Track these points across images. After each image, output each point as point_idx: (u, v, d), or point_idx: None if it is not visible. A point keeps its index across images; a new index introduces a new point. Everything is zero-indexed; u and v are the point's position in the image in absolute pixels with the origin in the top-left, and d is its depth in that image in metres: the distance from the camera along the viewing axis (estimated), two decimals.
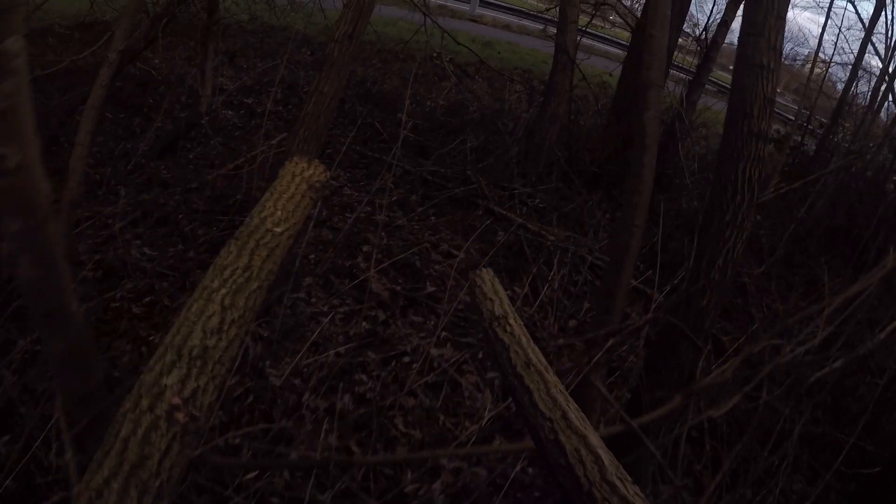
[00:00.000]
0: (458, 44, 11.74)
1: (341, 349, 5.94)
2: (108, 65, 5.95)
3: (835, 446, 5.61)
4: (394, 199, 8.66)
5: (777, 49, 4.25)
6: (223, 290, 2.79)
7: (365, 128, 10.98)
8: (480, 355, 6.30)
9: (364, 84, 14.47)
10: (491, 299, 3.53)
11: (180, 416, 2.37)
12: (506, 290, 3.65)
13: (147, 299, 6.10)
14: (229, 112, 11.48)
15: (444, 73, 15.21)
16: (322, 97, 6.04)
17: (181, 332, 2.59)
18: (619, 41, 21.69)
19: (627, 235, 4.84)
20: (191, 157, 9.32)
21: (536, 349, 3.22)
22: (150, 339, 5.67)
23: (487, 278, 3.68)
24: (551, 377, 3.04)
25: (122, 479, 2.20)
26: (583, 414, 2.86)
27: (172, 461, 2.32)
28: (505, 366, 3.21)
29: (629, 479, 2.57)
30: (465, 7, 25.35)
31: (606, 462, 2.61)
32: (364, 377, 5.78)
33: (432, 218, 8.45)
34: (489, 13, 26.37)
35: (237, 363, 5.32)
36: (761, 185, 4.42)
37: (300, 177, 3.53)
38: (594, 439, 2.72)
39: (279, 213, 3.26)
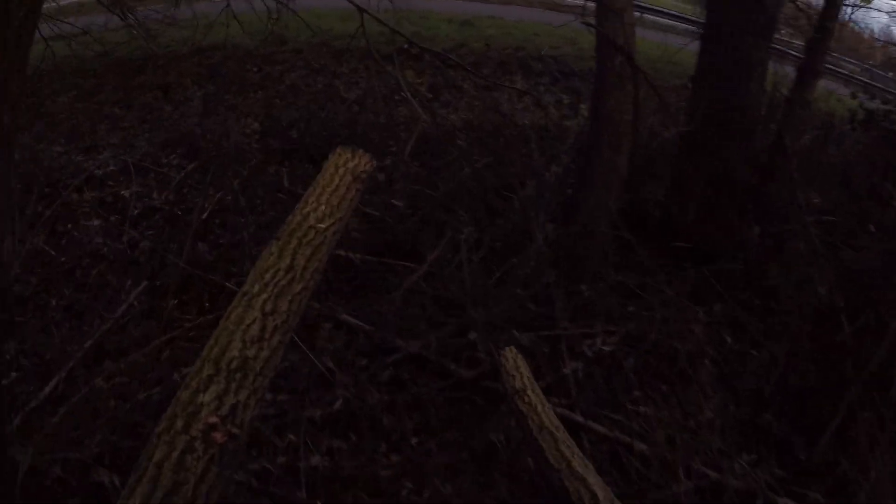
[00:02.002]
0: (414, 44, 7.30)
1: None
2: None
3: None
4: (335, 406, 4.24)
5: None
6: (264, 295, 2.60)
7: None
8: None
9: (293, 128, 9.84)
10: (513, 375, 3.81)
11: (218, 435, 2.14)
12: None
13: None
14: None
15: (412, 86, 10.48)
16: None
17: (219, 344, 2.40)
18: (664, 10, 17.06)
19: None
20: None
21: (550, 413, 3.54)
22: None
23: (511, 357, 3.95)
24: (561, 435, 3.33)
25: None
26: (586, 461, 3.18)
27: (209, 485, 2.10)
28: (525, 432, 3.51)
29: None
30: None
31: (601, 497, 2.86)
32: None
33: (413, 443, 4.07)
34: None
35: None
36: None
37: (344, 168, 3.29)
38: (593, 479, 2.98)
39: (323, 207, 3.04)
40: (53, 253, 6.27)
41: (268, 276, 2.67)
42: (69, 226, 6.66)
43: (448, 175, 6.87)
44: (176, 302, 5.31)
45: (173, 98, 12.63)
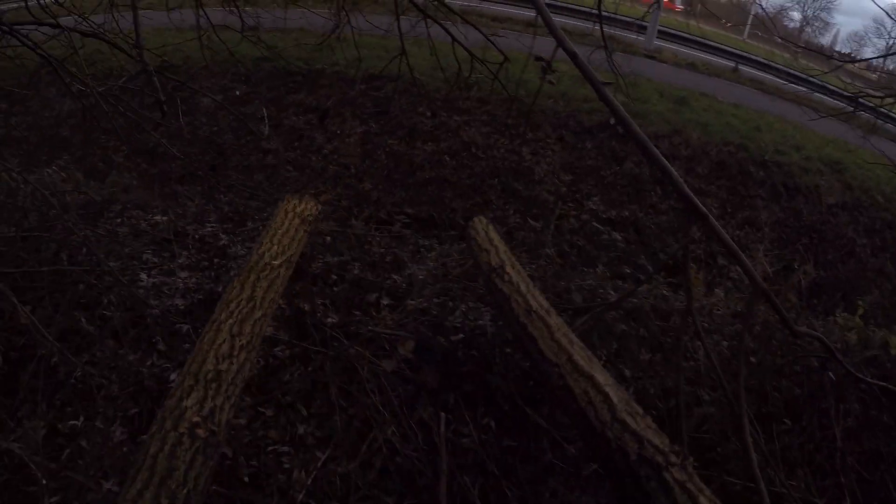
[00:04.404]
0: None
1: None
2: None
3: None
4: None
5: None
6: (230, 321, 2.95)
7: None
8: None
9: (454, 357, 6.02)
10: (486, 250, 3.52)
11: (201, 431, 2.49)
12: None
13: None
14: None
15: None
16: None
17: (196, 360, 2.77)
18: None
19: None
20: None
21: (537, 294, 3.16)
22: None
23: (481, 228, 3.67)
24: (554, 320, 2.99)
25: (154, 490, 2.32)
26: (589, 352, 2.78)
27: (197, 472, 2.43)
28: (508, 315, 3.16)
29: (640, 411, 2.54)
30: (637, 38, 17.26)
31: (615, 399, 2.55)
32: None
33: None
34: (669, 47, 18.38)
35: None
36: None
37: (293, 213, 3.73)
38: (601, 377, 2.66)
39: (275, 247, 3.47)
40: None
41: (232, 305, 3.03)
42: None
43: None
44: None
45: (328, 128, 10.94)
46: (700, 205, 2.80)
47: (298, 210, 3.83)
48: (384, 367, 3.80)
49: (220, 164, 10.04)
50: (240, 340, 2.86)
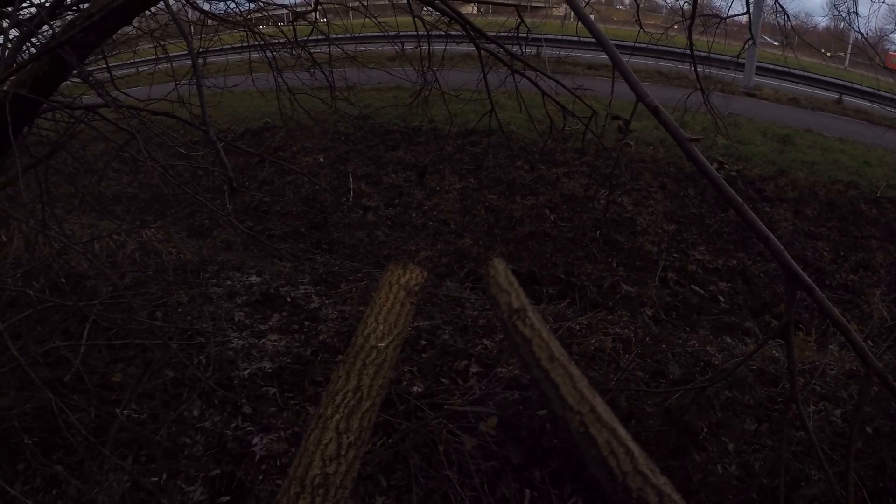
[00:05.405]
0: None
1: None
2: None
3: None
4: None
5: None
6: (337, 416, 2.75)
7: None
8: None
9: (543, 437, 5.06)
10: (507, 291, 3.18)
11: None
12: None
13: None
14: None
15: None
16: None
17: (302, 464, 2.59)
18: None
19: None
20: None
21: (558, 343, 2.98)
22: None
23: (501, 269, 3.34)
24: (575, 371, 2.91)
25: None
26: (608, 407, 2.75)
27: None
28: (528, 359, 2.98)
29: (657, 468, 2.53)
30: (735, 76, 16.48)
31: (637, 453, 2.55)
32: None
33: None
34: (769, 82, 17.60)
35: None
36: None
37: (397, 285, 3.38)
38: (623, 432, 2.63)
39: (381, 327, 3.16)
40: None
41: (338, 398, 2.79)
42: None
43: None
44: None
45: (427, 185, 10.96)
46: (804, 276, 2.46)
47: (403, 281, 3.39)
48: (466, 443, 3.60)
49: (320, 223, 10.15)
50: (347, 438, 2.65)
